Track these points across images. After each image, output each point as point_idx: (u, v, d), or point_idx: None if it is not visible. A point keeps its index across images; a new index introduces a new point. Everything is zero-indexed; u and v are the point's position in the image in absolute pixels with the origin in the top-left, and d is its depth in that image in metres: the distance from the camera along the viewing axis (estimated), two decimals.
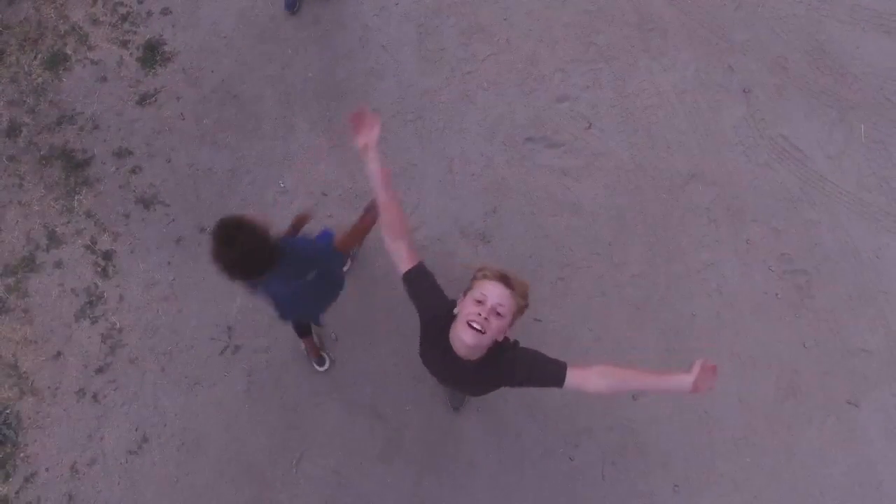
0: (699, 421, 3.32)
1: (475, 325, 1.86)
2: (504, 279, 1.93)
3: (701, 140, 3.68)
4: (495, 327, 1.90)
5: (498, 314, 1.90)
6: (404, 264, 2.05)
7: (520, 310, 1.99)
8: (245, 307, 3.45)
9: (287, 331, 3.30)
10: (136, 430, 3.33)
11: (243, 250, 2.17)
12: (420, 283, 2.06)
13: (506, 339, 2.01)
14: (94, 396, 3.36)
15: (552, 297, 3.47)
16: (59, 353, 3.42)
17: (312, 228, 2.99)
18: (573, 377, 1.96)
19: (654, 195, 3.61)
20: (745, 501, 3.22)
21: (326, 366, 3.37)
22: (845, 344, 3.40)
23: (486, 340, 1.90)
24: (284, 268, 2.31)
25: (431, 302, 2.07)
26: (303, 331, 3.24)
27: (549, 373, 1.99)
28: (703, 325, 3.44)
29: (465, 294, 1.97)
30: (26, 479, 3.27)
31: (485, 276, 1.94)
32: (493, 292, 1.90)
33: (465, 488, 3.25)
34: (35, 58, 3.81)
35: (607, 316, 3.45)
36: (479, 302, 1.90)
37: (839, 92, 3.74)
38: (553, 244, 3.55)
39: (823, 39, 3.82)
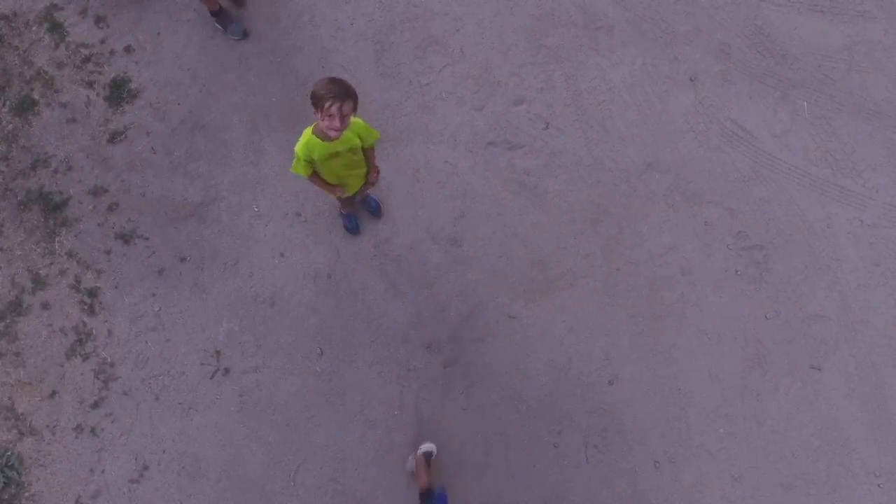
0: (672, 397, 3.49)
1: None
2: None
3: (653, 130, 3.84)
4: None
5: None
6: None
7: None
8: (231, 331, 3.57)
9: (274, 350, 3.42)
10: (136, 459, 3.44)
11: None
12: None
13: None
14: (92, 431, 3.46)
15: (525, 293, 3.62)
16: (53, 392, 3.52)
17: None
18: None
19: (613, 187, 3.77)
20: (722, 470, 3.40)
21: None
22: (804, 312, 3.59)
23: None
24: None
25: None
26: None
27: None
28: (669, 307, 3.61)
29: None
30: None
31: None
32: None
33: (456, 483, 3.40)
34: (3, 105, 3.89)
35: (578, 306, 3.61)
36: None
37: (781, 72, 3.92)
38: (521, 243, 3.70)
39: (761, 23, 4.00)
